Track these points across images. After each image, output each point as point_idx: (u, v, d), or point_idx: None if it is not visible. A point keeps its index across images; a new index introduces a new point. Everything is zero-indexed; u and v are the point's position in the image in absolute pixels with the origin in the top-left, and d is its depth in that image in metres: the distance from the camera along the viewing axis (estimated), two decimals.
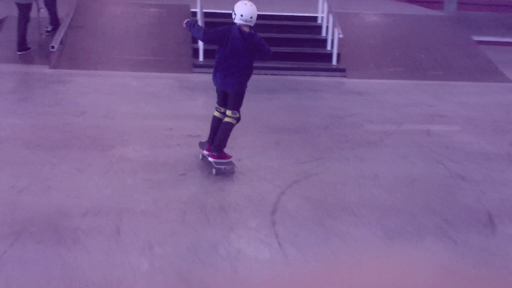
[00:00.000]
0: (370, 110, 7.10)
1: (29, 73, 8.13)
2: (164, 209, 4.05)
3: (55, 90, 7.20)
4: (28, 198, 4.09)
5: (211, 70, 4.85)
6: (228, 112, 4.78)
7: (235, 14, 4.61)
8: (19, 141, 5.25)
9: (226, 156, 4.82)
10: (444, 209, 4.32)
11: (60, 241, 3.51)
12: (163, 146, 5.34)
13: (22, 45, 8.79)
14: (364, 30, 10.67)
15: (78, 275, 3.17)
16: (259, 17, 4.92)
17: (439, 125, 6.62)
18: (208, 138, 4.94)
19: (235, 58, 4.62)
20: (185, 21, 4.79)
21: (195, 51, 9.07)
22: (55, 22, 9.48)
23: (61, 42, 8.83)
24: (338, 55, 9.41)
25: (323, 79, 8.91)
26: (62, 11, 9.57)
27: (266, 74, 8.80)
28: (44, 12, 9.32)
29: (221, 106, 4.88)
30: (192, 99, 7.26)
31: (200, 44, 8.91)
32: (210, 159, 4.81)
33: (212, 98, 5.26)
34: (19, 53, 8.77)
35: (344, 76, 9.13)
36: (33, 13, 8.88)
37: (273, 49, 5.03)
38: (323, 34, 10.03)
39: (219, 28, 4.63)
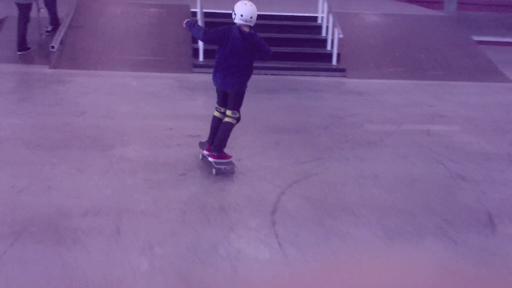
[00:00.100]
0: (370, 110, 7.10)
1: (29, 73, 8.13)
2: (164, 209, 4.05)
3: (55, 90, 7.20)
4: (28, 198, 4.08)
5: (211, 70, 4.85)
6: (228, 112, 4.78)
7: (235, 14, 4.61)
8: (19, 141, 5.25)
9: (226, 156, 4.82)
10: (444, 209, 4.32)
11: (60, 241, 3.51)
12: (163, 146, 5.34)
13: (22, 45, 8.79)
14: (364, 30, 10.67)
15: (78, 275, 3.17)
16: (259, 17, 4.92)
17: (439, 125, 6.61)
18: (208, 138, 4.93)
19: (235, 58, 4.62)
20: (185, 21, 4.79)
21: (195, 51, 9.07)
22: (55, 22, 9.48)
23: (61, 42, 8.83)
24: (338, 55, 9.41)
25: (323, 79, 8.90)
26: (62, 11, 9.56)
27: (266, 74, 8.80)
28: (44, 12, 9.32)
29: (221, 106, 4.88)
30: (192, 99, 7.26)
31: (200, 44, 8.91)
32: (210, 159, 4.81)
33: (212, 98, 5.26)
34: (19, 53, 8.77)
35: (344, 76, 9.13)
36: (33, 13, 8.88)
37: (273, 49, 5.03)
38: (323, 34, 10.03)
39: (219, 28, 4.63)
